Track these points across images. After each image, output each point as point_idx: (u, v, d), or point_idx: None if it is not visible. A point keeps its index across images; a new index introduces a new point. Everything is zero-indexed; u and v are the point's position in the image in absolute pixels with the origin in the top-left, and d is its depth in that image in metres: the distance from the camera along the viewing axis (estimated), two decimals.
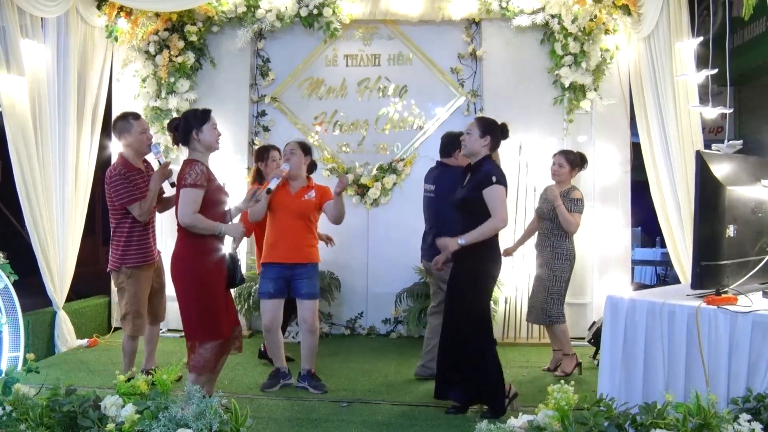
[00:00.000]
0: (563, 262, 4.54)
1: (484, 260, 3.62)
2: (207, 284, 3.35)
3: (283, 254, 4.09)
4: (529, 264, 4.90)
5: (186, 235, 3.36)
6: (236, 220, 3.88)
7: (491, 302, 4.76)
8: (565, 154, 4.73)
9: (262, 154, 4.69)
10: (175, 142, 3.50)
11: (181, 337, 5.80)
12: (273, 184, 3.94)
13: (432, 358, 4.22)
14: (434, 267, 3.90)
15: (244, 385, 4.32)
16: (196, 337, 3.37)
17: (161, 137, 5.90)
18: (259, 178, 4.65)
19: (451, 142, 4.34)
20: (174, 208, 3.49)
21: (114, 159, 6.01)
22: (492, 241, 3.64)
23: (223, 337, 3.39)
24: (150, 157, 4.27)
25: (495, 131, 3.68)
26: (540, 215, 4.74)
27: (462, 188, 3.70)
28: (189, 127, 3.40)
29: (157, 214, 4.30)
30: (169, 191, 4.12)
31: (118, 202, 4.02)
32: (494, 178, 3.51)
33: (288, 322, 4.79)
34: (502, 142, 3.81)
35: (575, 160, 4.69)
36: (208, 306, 3.35)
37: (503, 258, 3.87)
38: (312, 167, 4.29)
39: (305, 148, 4.22)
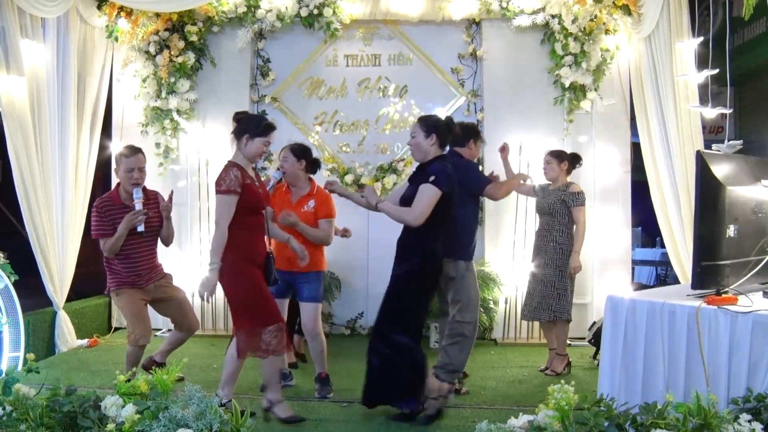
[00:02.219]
0: (568, 258, 4.54)
1: (420, 265, 3.56)
2: (248, 274, 3.42)
3: (286, 263, 4.03)
4: (529, 264, 4.89)
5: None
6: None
7: (491, 303, 4.77)
8: (552, 151, 4.77)
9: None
10: (233, 132, 3.55)
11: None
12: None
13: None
14: (327, 186, 3.85)
15: (244, 385, 4.32)
16: (257, 322, 3.42)
17: (161, 137, 5.92)
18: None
19: (465, 131, 4.21)
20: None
21: (114, 159, 6.04)
22: (432, 250, 3.56)
23: (281, 320, 3.49)
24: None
25: (440, 128, 3.58)
26: (540, 211, 4.75)
27: (408, 187, 3.64)
28: (247, 129, 3.48)
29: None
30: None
31: (92, 232, 4.10)
32: (432, 178, 3.44)
33: (293, 325, 4.79)
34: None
35: (563, 154, 4.70)
36: (258, 294, 3.44)
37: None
38: (314, 167, 4.22)
39: (297, 152, 4.11)
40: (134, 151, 4.11)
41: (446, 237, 3.68)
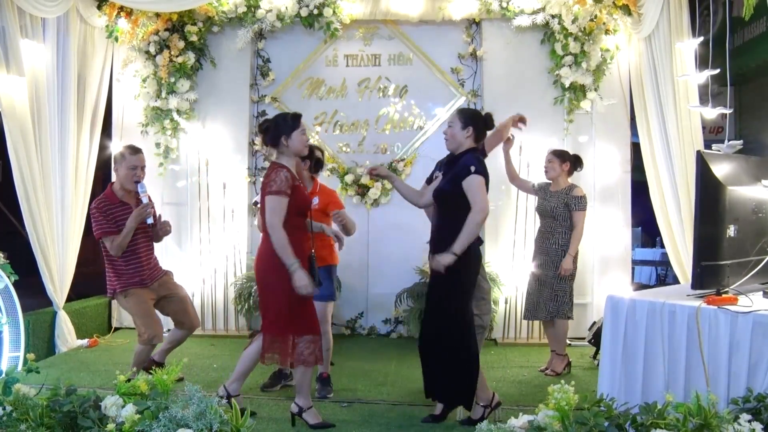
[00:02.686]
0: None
1: (462, 260, 3.49)
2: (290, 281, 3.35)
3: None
4: (529, 264, 4.89)
5: (269, 236, 3.38)
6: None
7: (492, 303, 4.74)
8: (553, 151, 4.76)
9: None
10: (264, 143, 3.53)
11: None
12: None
13: None
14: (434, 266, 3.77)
15: (244, 385, 4.31)
16: (292, 330, 3.41)
17: (161, 137, 5.92)
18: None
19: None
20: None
21: (113, 159, 6.04)
22: (477, 243, 3.54)
23: (318, 332, 3.46)
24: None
25: (477, 122, 3.59)
26: (542, 213, 4.74)
27: (441, 181, 3.63)
28: (279, 132, 3.44)
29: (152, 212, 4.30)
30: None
31: (95, 233, 4.09)
32: (472, 168, 3.42)
33: None
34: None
35: (565, 154, 4.71)
36: (298, 301, 3.38)
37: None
38: (317, 166, 4.20)
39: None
40: (136, 150, 4.18)
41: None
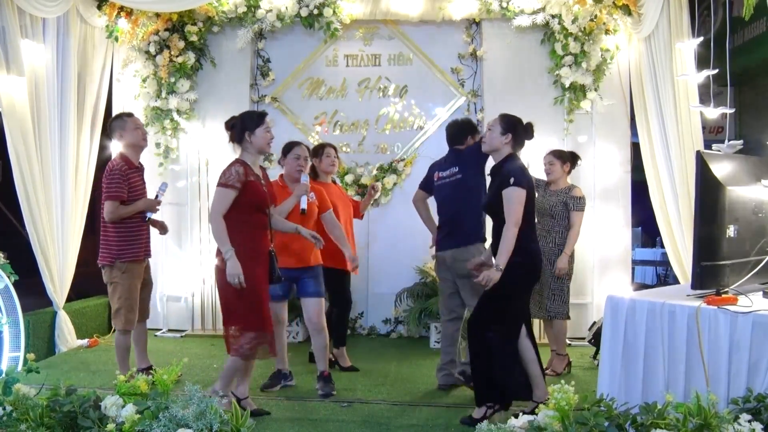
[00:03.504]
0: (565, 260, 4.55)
1: (516, 267, 3.47)
2: (249, 274, 3.38)
3: (293, 260, 4.05)
4: None
5: (229, 229, 3.41)
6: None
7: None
8: (554, 152, 4.76)
9: (317, 151, 4.68)
10: (231, 140, 3.60)
11: (182, 337, 5.83)
12: (304, 203, 3.96)
13: (451, 362, 4.20)
14: (470, 267, 3.73)
15: None
16: (240, 322, 3.44)
17: (161, 137, 5.92)
18: (313, 174, 4.66)
19: (460, 130, 4.24)
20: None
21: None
22: (532, 249, 3.54)
23: (267, 331, 3.47)
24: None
25: (518, 129, 3.60)
26: (540, 211, 4.73)
27: (487, 193, 3.67)
28: (243, 127, 3.52)
29: (159, 211, 4.38)
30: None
31: (105, 193, 4.08)
32: (512, 180, 3.43)
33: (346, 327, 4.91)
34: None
35: (565, 155, 4.71)
36: (254, 296, 3.42)
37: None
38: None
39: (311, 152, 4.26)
40: (130, 114, 4.36)
41: (477, 225, 3.85)
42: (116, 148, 5.95)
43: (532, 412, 3.34)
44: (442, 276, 4.25)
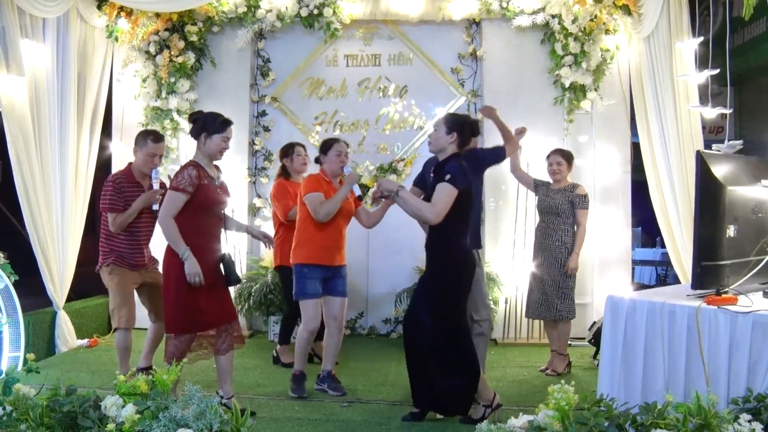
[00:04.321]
0: (569, 257, 4.56)
1: (451, 267, 3.54)
2: (184, 280, 3.39)
3: (335, 257, 4.06)
4: (529, 264, 4.89)
5: (180, 231, 3.43)
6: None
7: (491, 303, 4.74)
8: (561, 152, 4.77)
9: (287, 151, 4.71)
10: (190, 132, 3.60)
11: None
12: (358, 190, 4.03)
13: None
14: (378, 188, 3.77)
15: (244, 385, 4.32)
16: (170, 328, 3.51)
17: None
18: (284, 173, 4.72)
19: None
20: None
21: (114, 159, 6.04)
22: (461, 246, 3.56)
23: (192, 332, 3.52)
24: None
25: (464, 129, 3.62)
26: (544, 210, 4.73)
27: (429, 188, 3.64)
28: (202, 128, 3.50)
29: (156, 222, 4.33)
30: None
31: (101, 206, 4.10)
32: (447, 176, 3.45)
33: (294, 327, 4.81)
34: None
35: (569, 155, 4.74)
36: (186, 301, 3.44)
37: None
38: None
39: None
40: (159, 138, 4.21)
41: (472, 232, 3.78)
42: (117, 148, 6.04)
43: (483, 418, 3.43)
44: None
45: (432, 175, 3.71)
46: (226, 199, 3.64)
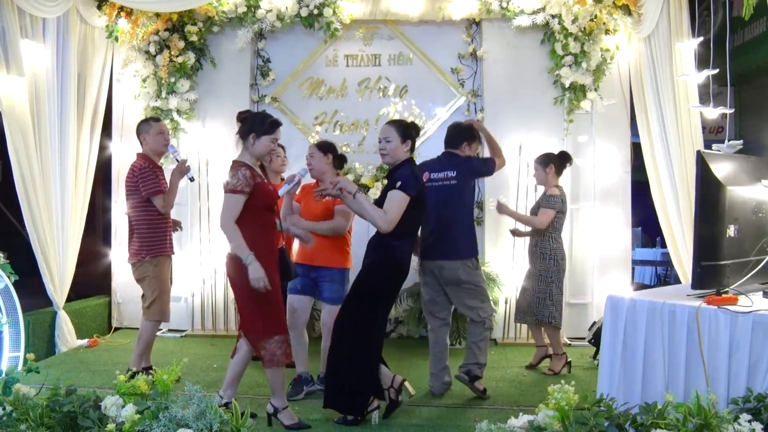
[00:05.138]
0: (547, 262, 4.60)
1: (383, 260, 3.54)
2: (270, 280, 3.34)
3: (308, 256, 4.03)
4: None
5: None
6: None
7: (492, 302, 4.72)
8: (537, 158, 4.80)
9: None
10: (237, 132, 3.53)
11: (182, 337, 5.83)
12: (282, 191, 3.96)
13: (444, 368, 4.16)
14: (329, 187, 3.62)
15: (244, 385, 4.31)
16: (258, 333, 3.41)
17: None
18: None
19: (459, 134, 4.25)
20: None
21: (114, 159, 6.04)
22: (395, 247, 3.54)
23: (282, 332, 3.45)
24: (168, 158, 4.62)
25: (413, 133, 3.64)
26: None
27: (382, 194, 3.64)
28: (251, 129, 3.45)
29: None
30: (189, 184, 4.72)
31: (144, 192, 4.20)
32: (398, 183, 3.45)
33: None
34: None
35: (547, 158, 4.72)
36: (266, 301, 3.38)
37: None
38: (340, 162, 4.18)
39: (323, 148, 4.09)
40: (157, 119, 4.47)
41: (467, 240, 3.86)
42: (117, 147, 6.04)
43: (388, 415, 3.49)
44: (426, 281, 4.18)
45: (385, 179, 3.72)
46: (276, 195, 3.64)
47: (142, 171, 4.21)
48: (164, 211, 4.25)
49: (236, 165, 3.42)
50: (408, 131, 3.61)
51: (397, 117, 6.03)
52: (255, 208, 3.38)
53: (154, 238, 4.26)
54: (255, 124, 3.45)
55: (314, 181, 4.15)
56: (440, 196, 4.09)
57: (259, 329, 3.41)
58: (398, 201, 3.44)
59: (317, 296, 4.14)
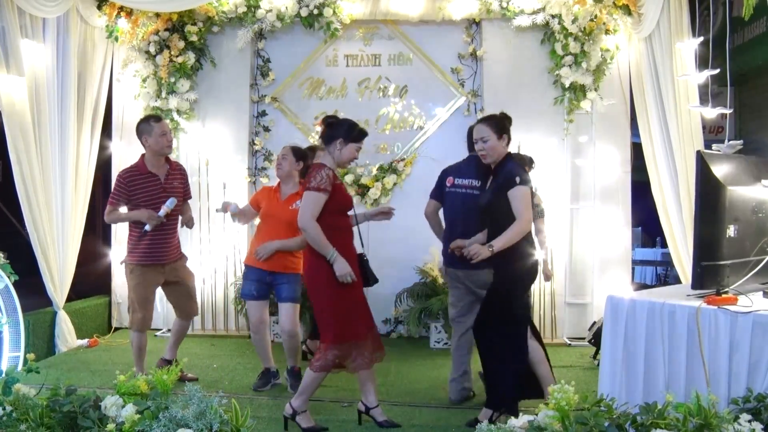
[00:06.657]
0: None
1: (520, 267, 3.48)
2: (339, 285, 3.32)
3: (265, 262, 4.07)
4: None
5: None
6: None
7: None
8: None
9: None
10: (321, 136, 3.52)
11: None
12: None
13: (465, 373, 4.03)
14: (458, 251, 3.61)
15: (244, 385, 4.33)
16: (327, 339, 3.40)
17: None
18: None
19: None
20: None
21: (114, 159, 6.04)
22: (524, 248, 3.46)
23: (357, 338, 3.42)
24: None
25: (507, 126, 3.55)
26: None
27: (486, 192, 3.57)
28: (338, 134, 3.43)
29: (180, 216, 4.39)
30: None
31: (110, 198, 4.17)
32: (518, 179, 3.37)
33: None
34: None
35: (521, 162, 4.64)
36: (342, 308, 3.36)
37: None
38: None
39: (298, 154, 4.16)
40: (159, 118, 4.30)
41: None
42: (117, 147, 6.04)
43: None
44: (455, 286, 4.04)
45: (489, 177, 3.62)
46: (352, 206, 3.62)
47: (117, 179, 4.19)
48: (106, 221, 4.23)
49: (319, 166, 3.39)
50: (501, 125, 3.51)
51: (396, 117, 6.04)
52: (332, 210, 3.36)
53: (132, 244, 4.15)
54: (342, 130, 3.44)
55: (277, 182, 4.25)
56: (464, 205, 3.91)
57: (328, 335, 3.39)
58: (526, 196, 3.39)
59: (273, 299, 4.24)
